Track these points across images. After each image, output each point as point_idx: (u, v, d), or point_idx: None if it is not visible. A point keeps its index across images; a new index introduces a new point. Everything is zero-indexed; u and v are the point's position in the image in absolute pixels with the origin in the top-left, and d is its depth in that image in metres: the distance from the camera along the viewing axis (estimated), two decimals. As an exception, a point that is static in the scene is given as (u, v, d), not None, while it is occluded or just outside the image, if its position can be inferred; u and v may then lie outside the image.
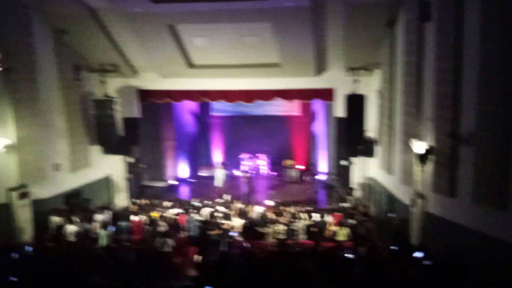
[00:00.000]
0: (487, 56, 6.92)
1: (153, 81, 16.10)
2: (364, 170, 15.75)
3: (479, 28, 7.09)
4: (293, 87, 15.64)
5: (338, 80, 15.07)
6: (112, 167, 16.47)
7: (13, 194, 11.90)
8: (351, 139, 14.47)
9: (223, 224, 11.38)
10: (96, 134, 15.07)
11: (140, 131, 16.56)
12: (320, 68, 14.93)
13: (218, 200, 14.74)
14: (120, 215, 12.66)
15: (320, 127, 21.26)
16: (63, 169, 13.82)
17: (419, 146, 9.50)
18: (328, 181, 18.09)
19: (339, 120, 15.19)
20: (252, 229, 11.69)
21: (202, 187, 18.82)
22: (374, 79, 14.64)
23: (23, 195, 12.11)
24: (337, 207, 14.11)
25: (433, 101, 9.15)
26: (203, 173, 21.90)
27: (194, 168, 22.09)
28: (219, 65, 15.18)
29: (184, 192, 19.39)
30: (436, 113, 9.00)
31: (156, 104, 17.12)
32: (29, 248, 10.01)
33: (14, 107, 11.85)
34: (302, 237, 11.25)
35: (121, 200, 16.58)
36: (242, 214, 12.54)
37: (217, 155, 23.47)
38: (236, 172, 22.05)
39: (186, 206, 13.46)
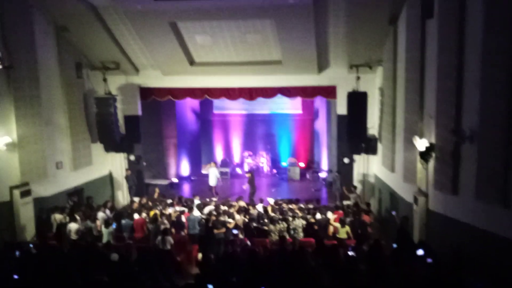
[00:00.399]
0: (489, 53, 6.88)
1: (155, 78, 16.08)
2: (366, 167, 15.72)
3: (482, 24, 7.05)
4: (295, 85, 15.60)
5: (341, 78, 15.03)
6: (113, 165, 16.49)
7: (15, 192, 11.93)
8: (353, 136, 14.45)
9: (228, 222, 11.37)
10: (97, 132, 15.09)
11: (142, 129, 16.56)
12: (322, 65, 14.89)
13: (213, 199, 14.67)
14: (122, 213, 12.67)
15: (322, 125, 21.23)
16: (65, 167, 13.86)
17: (421, 144, 9.46)
18: (330, 178, 18.06)
19: (341, 117, 15.15)
20: (254, 227, 11.68)
21: (204, 185, 18.78)
22: (376, 76, 14.60)
23: (25, 193, 12.14)
24: (339, 204, 14.08)
25: (435, 98, 9.11)
26: (205, 171, 21.88)
27: (196, 166, 22.08)
28: (221, 63, 15.16)
29: (186, 190, 19.40)
30: (439, 110, 8.97)
31: (158, 102, 17.09)
32: (31, 246, 10.03)
33: (15, 105, 11.88)
34: (303, 235, 11.23)
35: (123, 197, 16.60)
36: (244, 212, 12.52)
37: (219, 153, 23.46)
38: (238, 170, 22.04)
39: (187, 204, 13.45)
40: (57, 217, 12.07)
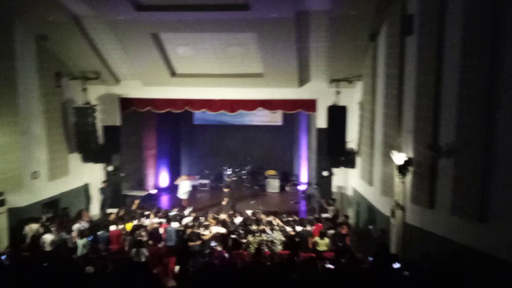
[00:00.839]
0: (467, 71, 7.08)
1: (136, 89, 15.98)
2: (345, 180, 15.86)
3: (460, 43, 7.25)
4: (276, 98, 15.71)
5: (321, 91, 15.21)
6: (91, 175, 16.24)
7: (-12, 202, 11.65)
8: (333, 149, 14.59)
9: (203, 235, 11.31)
10: (75, 142, 14.89)
11: (121, 140, 16.39)
12: (303, 79, 15.04)
13: (187, 211, 14.49)
14: (98, 224, 12.47)
15: (302, 138, 21.36)
16: (41, 177, 13.59)
17: (399, 158, 9.61)
18: (309, 191, 18.13)
19: (321, 131, 15.30)
20: (232, 239, 11.63)
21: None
22: (356, 90, 14.80)
23: (-1, 203, 11.86)
24: (318, 217, 14.13)
25: (413, 114, 9.29)
26: (177, 182, 21.70)
27: (175, 177, 21.90)
28: (203, 75, 15.17)
29: (165, 201, 19.22)
30: (416, 125, 9.14)
31: (138, 112, 16.96)
32: (4, 257, 9.77)
33: (-9, 113, 11.64)
34: (282, 248, 11.23)
35: (100, 209, 16.33)
36: (222, 224, 12.47)
37: (199, 164, 23.35)
38: (217, 182, 21.96)
39: (165, 215, 13.32)
40: (32, 227, 11.81)
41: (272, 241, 11.19)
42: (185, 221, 12.53)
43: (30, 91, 12.95)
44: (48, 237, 11.05)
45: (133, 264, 9.76)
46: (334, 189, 15.92)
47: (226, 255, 10.47)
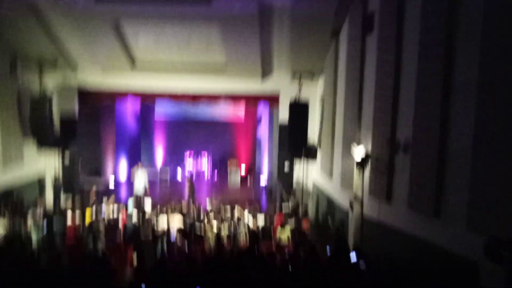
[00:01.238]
0: (422, 72, 7.28)
1: (94, 79, 15.54)
2: (306, 174, 16.04)
3: (417, 45, 7.43)
4: (239, 91, 15.67)
5: (283, 86, 15.28)
6: (47, 166, 15.72)
7: None
8: (294, 143, 14.68)
9: (161, 228, 11.19)
10: (31, 132, 14.35)
11: (79, 130, 15.92)
12: (265, 73, 15.07)
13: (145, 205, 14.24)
14: (54, 217, 12.11)
15: (264, 132, 21.43)
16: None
17: (358, 152, 9.78)
18: (270, 184, 18.24)
19: (283, 124, 15.39)
20: (192, 232, 11.56)
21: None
22: (317, 85, 14.96)
23: None
24: (279, 209, 14.25)
25: (372, 110, 9.47)
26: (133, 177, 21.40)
27: (139, 165, 21.56)
28: (165, 65, 14.94)
29: (123, 193, 18.87)
30: (375, 121, 9.33)
31: (97, 103, 16.53)
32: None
33: None
34: (244, 240, 11.26)
35: (56, 200, 15.84)
36: (182, 216, 12.37)
37: (159, 157, 23.07)
38: (178, 175, 21.76)
39: (124, 207, 13.10)
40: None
41: (234, 234, 11.20)
42: (145, 213, 12.37)
43: (-18, 78, 12.39)
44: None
45: (89, 258, 9.54)
46: (295, 182, 16.07)
47: (186, 248, 10.40)
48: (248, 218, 12.65)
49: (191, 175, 20.48)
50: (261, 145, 21.90)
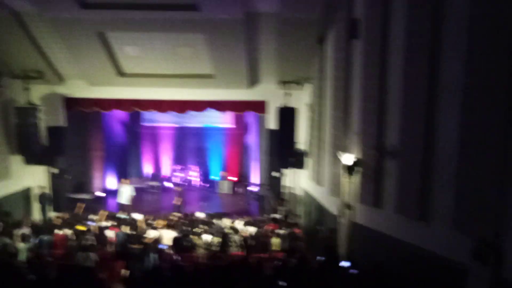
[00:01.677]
0: (409, 76, 7.35)
1: (81, 89, 15.46)
2: (295, 181, 16.07)
3: (403, 50, 7.51)
4: (226, 99, 15.69)
5: (271, 93, 15.33)
6: (34, 178, 15.55)
7: None
8: (283, 151, 14.73)
9: (150, 238, 11.11)
10: (17, 143, 14.20)
11: (66, 141, 15.79)
12: (253, 80, 15.12)
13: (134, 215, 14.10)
14: (42, 229, 11.97)
15: (252, 139, 21.45)
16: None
17: (347, 159, 9.83)
18: (260, 192, 18.24)
19: (271, 132, 15.43)
20: (182, 241, 11.49)
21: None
22: (305, 92, 15.03)
23: None
24: (269, 217, 14.24)
25: (360, 116, 9.54)
26: (133, 184, 21.23)
27: (124, 178, 21.41)
28: (151, 75, 14.92)
29: (112, 204, 18.71)
30: (363, 128, 9.39)
31: (84, 113, 16.42)
32: None
33: None
34: (235, 249, 11.21)
35: (42, 213, 15.66)
36: (172, 226, 12.30)
37: (148, 166, 22.95)
38: (167, 184, 21.65)
39: (116, 219, 12.98)
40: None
41: (225, 242, 11.16)
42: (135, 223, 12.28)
43: (-34, 90, 12.26)
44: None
45: (79, 270, 9.43)
46: (284, 189, 16.09)
47: (176, 257, 10.34)
48: (238, 227, 12.61)
49: (181, 183, 20.39)
50: (251, 152, 21.90)
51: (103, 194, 19.18)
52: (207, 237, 11.25)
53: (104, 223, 12.53)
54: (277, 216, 14.38)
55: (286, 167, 15.61)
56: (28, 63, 13.95)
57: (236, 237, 11.41)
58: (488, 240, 5.22)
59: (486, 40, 5.36)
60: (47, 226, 12.48)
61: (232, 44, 12.72)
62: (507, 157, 5.04)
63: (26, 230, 11.74)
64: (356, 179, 9.89)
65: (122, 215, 13.37)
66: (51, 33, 12.60)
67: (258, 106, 15.81)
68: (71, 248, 10.78)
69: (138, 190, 19.69)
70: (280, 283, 7.72)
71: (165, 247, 10.80)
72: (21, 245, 10.49)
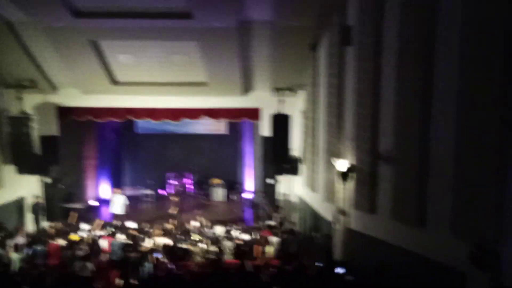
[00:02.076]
0: (402, 81, 7.40)
1: (74, 97, 15.41)
2: (290, 188, 16.08)
3: (396, 55, 7.57)
4: (220, 106, 15.71)
5: (264, 100, 15.37)
6: (27, 188, 15.44)
7: None
8: (277, 157, 14.74)
9: (145, 246, 11.06)
10: (10, 153, 14.11)
11: (59, 150, 15.70)
12: (246, 88, 15.15)
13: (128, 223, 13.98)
14: (36, 239, 11.88)
15: (247, 146, 21.44)
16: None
17: (341, 165, 9.87)
18: (255, 199, 18.21)
19: (265, 139, 15.44)
20: (177, 249, 11.44)
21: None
22: (298, 99, 15.08)
23: None
24: (264, 225, 14.22)
25: (353, 122, 9.58)
26: (127, 193, 21.12)
27: (117, 188, 21.29)
28: (145, 83, 14.91)
29: (105, 213, 18.60)
30: (357, 133, 9.43)
31: (78, 121, 16.35)
32: None
33: None
34: (229, 257, 11.19)
35: (35, 223, 15.54)
36: (168, 234, 12.25)
37: (142, 174, 22.84)
38: (162, 192, 21.55)
39: (111, 228, 12.92)
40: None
41: (220, 250, 11.13)
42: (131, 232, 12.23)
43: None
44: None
45: (73, 279, 9.37)
46: (279, 196, 16.09)
47: (172, 266, 10.29)
48: (233, 234, 12.59)
49: (176, 191, 20.31)
50: (245, 160, 21.88)
51: (97, 203, 19.05)
52: (203, 245, 11.22)
53: (98, 232, 12.46)
54: (271, 223, 14.36)
55: (280, 173, 15.62)
56: (21, 72, 13.90)
57: (230, 244, 11.39)
58: (486, 246, 5.23)
59: (480, 44, 5.41)
60: (40, 236, 12.39)
61: (226, 52, 12.76)
62: (504, 161, 5.08)
63: (19, 240, 11.66)
64: (350, 185, 9.92)
65: (116, 224, 13.30)
66: (44, 42, 12.58)
67: (252, 113, 15.83)
68: (65, 257, 10.70)
69: (132, 198, 19.62)
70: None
71: (160, 256, 10.76)
72: (15, 255, 10.41)
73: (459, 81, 5.80)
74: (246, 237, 12.18)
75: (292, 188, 16.07)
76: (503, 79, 5.07)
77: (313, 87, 12.84)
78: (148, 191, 20.56)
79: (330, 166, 10.94)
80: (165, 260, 10.78)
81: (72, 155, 17.84)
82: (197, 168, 22.45)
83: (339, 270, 8.38)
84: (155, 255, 10.64)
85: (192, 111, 15.84)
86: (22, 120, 13.92)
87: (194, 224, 13.63)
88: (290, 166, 15.17)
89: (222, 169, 22.81)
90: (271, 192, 16.06)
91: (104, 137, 20.46)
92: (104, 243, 11.65)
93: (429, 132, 6.74)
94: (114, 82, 14.78)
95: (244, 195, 20.58)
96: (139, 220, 14.80)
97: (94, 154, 19.59)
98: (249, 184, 21.06)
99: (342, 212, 10.37)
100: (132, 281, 8.85)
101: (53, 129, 15.48)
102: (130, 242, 11.47)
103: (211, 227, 13.02)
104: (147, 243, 11.24)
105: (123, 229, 12.68)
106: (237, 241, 11.82)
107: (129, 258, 10.65)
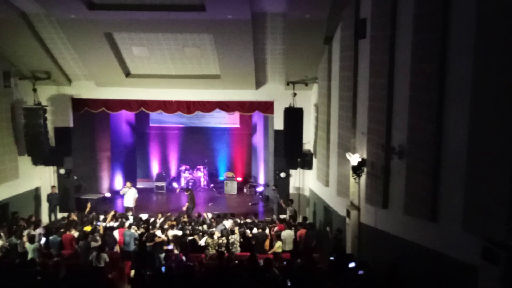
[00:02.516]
0: (417, 75, 7.29)
1: (88, 89, 15.54)
2: (302, 182, 16.03)
3: (410, 47, 7.46)
4: (234, 99, 15.69)
5: (278, 93, 15.31)
6: (42, 179, 15.66)
7: None
8: (290, 151, 14.69)
9: (158, 237, 11.13)
10: (25, 144, 14.30)
11: (73, 142, 15.88)
12: (260, 81, 15.10)
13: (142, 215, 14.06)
14: (50, 229, 12.04)
15: (259, 139, 21.41)
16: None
17: (354, 159, 9.79)
18: (267, 193, 18.21)
19: (278, 132, 15.39)
20: (190, 241, 11.50)
21: (139, 200, 18.31)
22: (312, 93, 15.00)
23: None
24: (276, 218, 14.22)
25: (367, 116, 9.49)
26: (140, 185, 21.30)
27: (130, 179, 21.43)
28: (158, 75, 14.95)
29: (119, 204, 18.75)
30: (370, 127, 9.34)
31: (92, 113, 16.48)
32: None
33: None
34: (239, 249, 11.22)
35: (50, 213, 15.76)
36: (180, 226, 12.31)
37: (155, 167, 22.99)
38: (174, 185, 21.67)
39: (123, 219, 13.02)
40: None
41: (233, 243, 11.16)
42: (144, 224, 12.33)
43: (-24, 91, 12.37)
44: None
45: (87, 270, 9.47)
46: (291, 190, 16.06)
47: (184, 258, 10.35)
48: (245, 227, 12.60)
49: (189, 184, 20.38)
50: (257, 153, 21.86)
51: (110, 195, 19.21)
52: (214, 238, 11.26)
53: (111, 224, 12.58)
54: (283, 216, 14.35)
55: (293, 167, 15.59)
56: (36, 64, 14.06)
57: (240, 238, 11.41)
58: (498, 240, 5.17)
59: (495, 37, 5.31)
60: (55, 227, 12.55)
61: (239, 44, 12.72)
62: (517, 156, 4.99)
63: (34, 231, 11.83)
64: (363, 179, 9.85)
65: (129, 216, 13.42)
66: (58, 34, 12.70)
67: (266, 107, 15.78)
68: (79, 248, 10.83)
69: (145, 190, 19.81)
70: (288, 283, 7.72)
71: (171, 247, 10.83)
72: (29, 246, 10.56)
73: (474, 75, 5.70)
74: (257, 230, 12.18)
75: (304, 181, 16.03)
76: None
77: (327, 81, 12.74)
78: (161, 183, 20.68)
79: (342, 161, 10.87)
80: (177, 252, 10.86)
81: (86, 146, 18.02)
82: (210, 161, 22.51)
83: (351, 265, 8.33)
84: (167, 247, 10.72)
85: (205, 103, 15.84)
86: (36, 112, 14.07)
87: (206, 216, 13.67)
88: (302, 160, 15.12)
89: (235, 162, 22.86)
90: (284, 186, 16.03)
91: (118, 129, 20.58)
92: (116, 234, 11.76)
93: (442, 127, 6.65)
94: (128, 74, 14.85)
95: (256, 188, 20.59)
96: (151, 212, 14.90)
97: (108, 146, 19.73)
98: (262, 177, 21.06)
99: (355, 207, 10.31)
100: (144, 272, 8.91)
101: (67, 120, 15.65)
102: (143, 233, 11.55)
103: (222, 220, 13.03)
104: (159, 235, 11.30)
105: (136, 221, 12.77)
106: (248, 234, 11.84)
107: (142, 250, 10.74)
